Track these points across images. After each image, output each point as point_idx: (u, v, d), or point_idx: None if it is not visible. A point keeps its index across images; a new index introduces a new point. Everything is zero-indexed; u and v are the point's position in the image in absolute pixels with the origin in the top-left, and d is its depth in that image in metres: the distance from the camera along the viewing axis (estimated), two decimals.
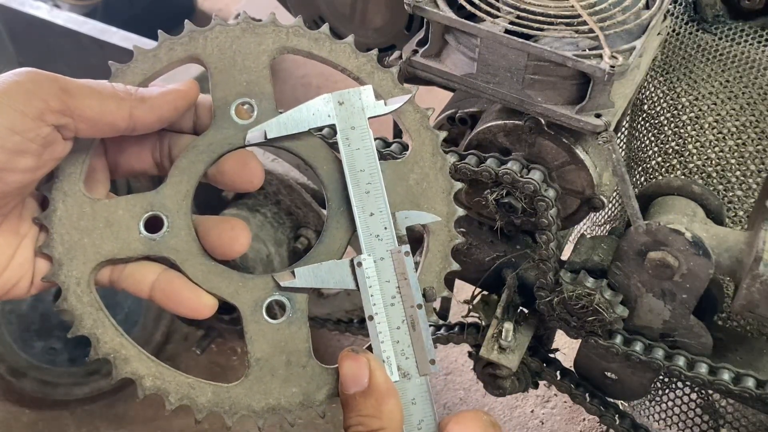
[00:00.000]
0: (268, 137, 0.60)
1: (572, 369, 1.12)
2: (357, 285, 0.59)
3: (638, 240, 0.87)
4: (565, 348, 1.35)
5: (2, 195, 0.55)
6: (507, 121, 0.92)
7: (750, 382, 0.90)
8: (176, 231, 0.59)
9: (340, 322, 1.31)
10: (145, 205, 0.59)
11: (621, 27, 0.83)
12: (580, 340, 1.04)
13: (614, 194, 1.20)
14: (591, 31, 0.82)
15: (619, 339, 0.96)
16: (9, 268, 0.58)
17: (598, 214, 1.33)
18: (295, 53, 0.63)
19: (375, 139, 0.95)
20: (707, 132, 1.07)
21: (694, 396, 1.18)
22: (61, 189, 0.58)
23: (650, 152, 1.15)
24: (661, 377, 1.20)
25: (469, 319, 1.14)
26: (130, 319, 1.61)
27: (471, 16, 0.85)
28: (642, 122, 1.16)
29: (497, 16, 0.84)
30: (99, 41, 1.61)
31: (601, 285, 0.92)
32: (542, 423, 1.59)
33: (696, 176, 1.08)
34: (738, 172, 1.06)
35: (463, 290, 1.16)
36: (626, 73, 0.81)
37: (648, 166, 1.15)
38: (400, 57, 0.92)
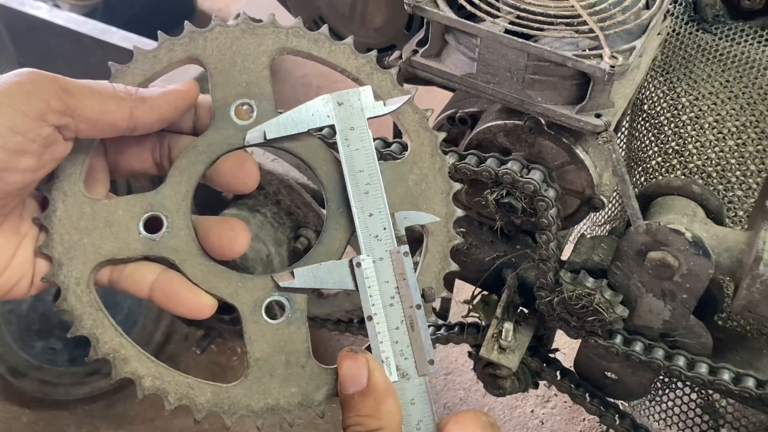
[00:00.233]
0: (268, 138, 0.61)
1: (572, 369, 1.12)
2: (356, 285, 0.59)
3: (638, 240, 0.87)
4: (565, 348, 1.35)
5: (3, 195, 0.55)
6: (507, 121, 0.92)
7: (750, 382, 0.90)
8: (176, 231, 0.59)
9: (340, 322, 1.31)
10: (145, 206, 0.59)
11: (621, 27, 0.83)
12: (580, 340, 1.04)
13: (614, 194, 1.20)
14: (591, 31, 0.82)
15: (619, 339, 0.96)
16: (9, 268, 0.58)
17: (598, 214, 1.34)
18: (294, 54, 0.63)
19: (375, 139, 0.95)
20: (707, 132, 1.07)
21: (694, 396, 1.18)
22: (61, 189, 0.58)
23: (650, 152, 1.15)
24: (661, 377, 1.20)
25: (469, 319, 1.14)
26: (130, 319, 1.61)
27: (471, 16, 0.85)
28: (642, 122, 1.16)
29: (497, 16, 0.84)
30: (99, 41, 1.61)
31: (601, 285, 0.92)
32: (542, 423, 1.59)
33: (696, 176, 1.08)
34: (738, 172, 1.06)
35: (463, 290, 1.16)
36: (626, 73, 0.81)
37: (648, 166, 1.15)
38: (400, 57, 0.92)
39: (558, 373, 1.11)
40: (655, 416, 1.24)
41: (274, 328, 0.59)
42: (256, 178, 0.63)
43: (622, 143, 1.23)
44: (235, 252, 0.62)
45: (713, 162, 1.07)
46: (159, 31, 0.61)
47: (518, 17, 0.84)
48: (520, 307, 1.07)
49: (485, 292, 1.12)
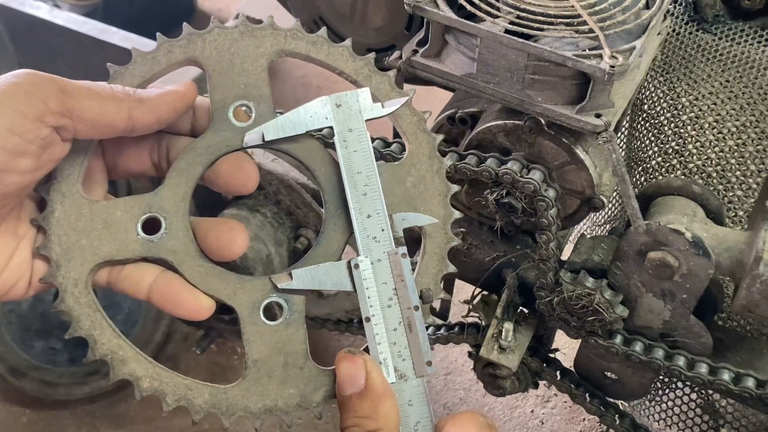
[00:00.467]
0: (266, 139, 0.61)
1: (572, 369, 1.12)
2: (354, 287, 0.59)
3: (638, 240, 0.87)
4: (565, 348, 1.35)
5: (1, 196, 0.55)
6: (507, 121, 0.92)
7: (750, 382, 0.90)
8: (174, 233, 0.59)
9: (340, 322, 1.31)
10: (143, 207, 0.59)
11: (621, 27, 0.83)
12: (580, 340, 1.04)
13: (614, 194, 1.20)
14: (591, 31, 0.82)
15: (619, 339, 0.96)
16: (7, 269, 0.58)
17: (598, 214, 1.34)
18: (293, 56, 0.63)
19: (375, 139, 0.95)
20: (707, 132, 1.07)
21: (694, 396, 1.18)
22: (59, 190, 0.58)
23: (650, 152, 1.15)
24: (661, 377, 1.20)
25: (469, 319, 1.14)
26: (130, 319, 1.61)
27: (471, 16, 0.85)
28: (642, 122, 1.16)
29: (497, 16, 0.84)
30: (99, 41, 1.61)
31: (601, 285, 0.92)
32: (542, 423, 1.59)
33: (696, 176, 1.08)
34: (738, 172, 1.06)
35: (463, 290, 1.16)
36: (626, 73, 0.81)
37: (648, 166, 1.15)
38: (400, 57, 0.92)
39: (558, 373, 1.11)
40: (655, 416, 1.24)
41: (272, 330, 0.59)
42: (256, 179, 0.63)
43: (622, 143, 1.23)
44: (234, 253, 0.62)
45: (713, 162, 1.07)
46: (158, 33, 0.61)
47: (518, 17, 0.84)
48: (520, 307, 1.07)
49: (485, 292, 1.12)
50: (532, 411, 1.61)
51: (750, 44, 1.06)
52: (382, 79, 0.63)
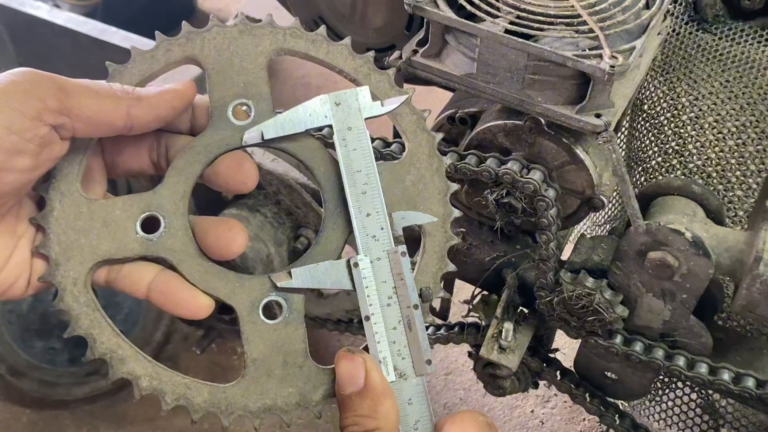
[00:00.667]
0: (265, 138, 0.61)
1: (572, 369, 1.12)
2: (353, 285, 0.59)
3: (638, 240, 0.87)
4: (565, 348, 1.35)
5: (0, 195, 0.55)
6: (507, 121, 0.92)
7: (750, 382, 0.90)
8: (173, 231, 0.59)
9: (340, 322, 1.31)
10: (142, 206, 0.59)
11: (621, 27, 0.83)
12: (580, 340, 1.04)
13: (614, 194, 1.20)
14: (591, 31, 0.82)
15: (619, 339, 0.96)
16: (6, 268, 0.58)
17: (598, 214, 1.33)
18: (292, 55, 0.63)
19: (375, 139, 0.95)
20: (707, 132, 1.07)
21: (694, 396, 1.18)
22: (58, 189, 0.58)
23: (650, 152, 1.15)
24: (661, 377, 1.20)
25: (469, 319, 1.14)
26: (130, 319, 1.61)
27: (471, 16, 0.85)
28: (642, 122, 1.16)
29: (497, 16, 0.84)
30: (99, 41, 1.61)
31: (601, 285, 0.92)
32: (542, 423, 1.59)
33: (696, 176, 1.08)
34: (738, 172, 1.06)
35: (463, 290, 1.16)
36: (626, 73, 0.81)
37: (648, 166, 1.15)
38: (400, 57, 0.92)
39: (558, 373, 1.11)
40: (655, 416, 1.24)
41: (271, 329, 0.59)
42: (255, 178, 0.63)
43: (622, 143, 1.23)
44: (233, 252, 0.62)
45: (713, 162, 1.07)
46: (156, 32, 0.61)
47: (518, 17, 0.84)
48: (520, 307, 1.07)
49: (485, 292, 1.12)
50: (532, 411, 1.61)
51: (750, 44, 1.06)
52: (381, 77, 0.63)
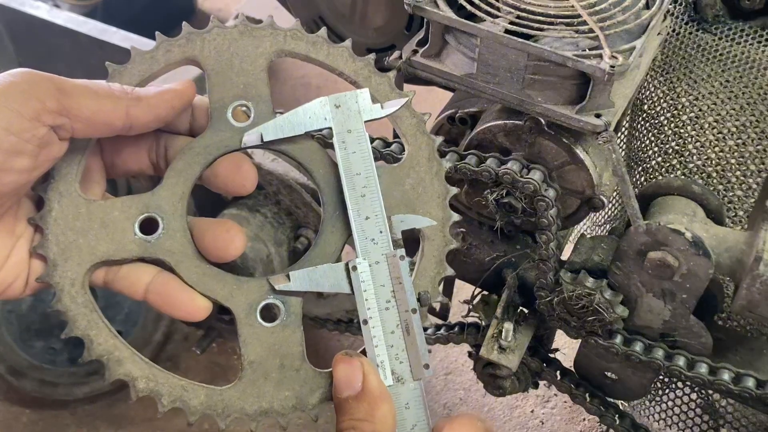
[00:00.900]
0: (264, 140, 0.60)
1: (572, 369, 1.12)
2: (352, 289, 0.59)
3: (638, 240, 0.87)
4: (565, 348, 1.35)
5: None
6: (507, 121, 0.92)
7: (750, 382, 0.90)
8: (171, 233, 0.59)
9: (340, 322, 1.31)
10: (141, 207, 0.59)
11: (621, 27, 0.83)
12: (580, 340, 1.04)
13: (614, 194, 1.20)
14: (591, 31, 0.82)
15: (619, 339, 0.96)
16: (4, 268, 0.58)
17: (598, 214, 1.33)
18: (292, 56, 0.63)
19: (375, 139, 0.95)
20: (707, 132, 1.07)
21: (694, 396, 1.18)
22: (57, 189, 0.58)
23: (650, 152, 1.15)
24: (661, 377, 1.20)
25: (469, 319, 1.14)
26: (130, 319, 1.61)
27: (471, 16, 0.85)
28: (642, 122, 1.16)
29: (497, 16, 0.84)
30: (99, 41, 1.61)
31: (601, 285, 0.92)
32: (542, 423, 1.59)
33: (696, 176, 1.08)
34: (738, 172, 1.06)
35: (463, 290, 1.16)
36: (626, 73, 0.81)
37: (648, 166, 1.15)
38: (400, 57, 0.92)
39: (558, 373, 1.11)
40: (655, 416, 1.24)
41: (268, 331, 0.59)
42: (254, 180, 0.63)
43: (622, 143, 1.23)
44: (231, 255, 0.62)
45: (713, 162, 1.07)
46: (157, 32, 0.61)
47: (518, 17, 0.84)
48: (520, 307, 1.07)
49: (485, 292, 1.12)
50: (532, 411, 1.60)
51: (750, 44, 1.06)
52: (381, 80, 0.63)
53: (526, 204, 0.92)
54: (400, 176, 0.62)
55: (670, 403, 1.21)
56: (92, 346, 0.57)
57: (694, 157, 1.08)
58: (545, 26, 0.83)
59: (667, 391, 1.22)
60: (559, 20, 0.84)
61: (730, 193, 1.06)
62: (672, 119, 1.10)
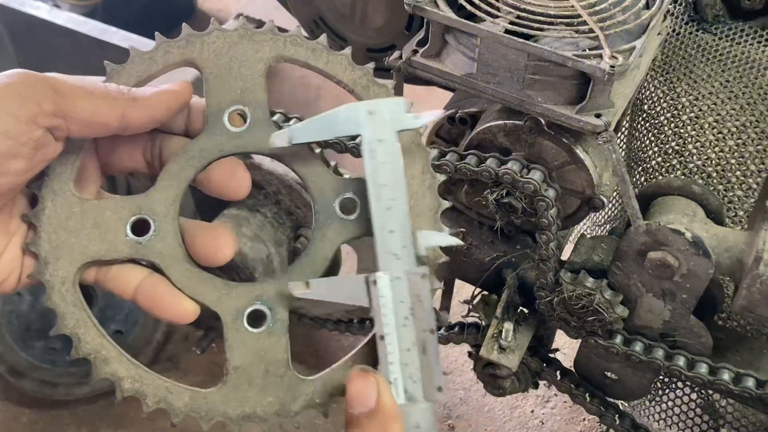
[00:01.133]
0: (294, 142, 0.59)
1: (572, 369, 1.12)
2: (370, 302, 0.58)
3: (638, 240, 0.87)
4: (565, 348, 1.35)
5: None
6: (507, 121, 0.92)
7: (750, 382, 0.90)
8: (163, 235, 0.59)
9: (340, 322, 1.31)
10: (134, 208, 0.59)
11: (621, 27, 0.83)
12: (580, 340, 1.04)
13: (614, 194, 1.20)
14: (591, 31, 0.82)
15: (619, 339, 0.96)
16: None
17: (598, 214, 1.33)
18: (291, 62, 0.62)
19: None
20: (707, 132, 1.07)
21: (694, 396, 1.18)
22: (51, 188, 0.58)
23: (650, 152, 1.15)
24: (661, 377, 1.20)
25: (469, 319, 1.14)
26: (130, 319, 1.61)
27: (471, 16, 0.85)
28: (642, 122, 1.16)
29: (497, 16, 0.84)
30: (99, 41, 1.61)
31: (601, 285, 0.92)
32: (542, 423, 1.59)
33: (696, 176, 1.08)
34: (738, 172, 1.06)
35: (463, 290, 1.16)
36: (626, 73, 0.81)
37: (648, 166, 1.15)
38: (400, 57, 0.92)
39: (558, 373, 1.11)
40: (655, 416, 1.24)
41: (255, 337, 0.59)
42: (248, 186, 0.63)
43: (622, 143, 1.23)
44: (220, 260, 0.62)
45: (713, 162, 1.07)
46: (156, 33, 0.61)
47: (518, 17, 0.84)
48: (520, 307, 1.07)
49: (485, 292, 1.12)
50: (532, 411, 1.60)
51: (750, 44, 1.06)
52: (380, 89, 0.62)
53: (526, 204, 0.92)
54: None
55: (670, 403, 1.21)
56: (80, 345, 0.58)
57: (694, 157, 1.08)
58: (545, 26, 0.83)
59: (667, 391, 1.22)
60: (559, 20, 0.84)
61: (730, 193, 1.06)
62: (672, 119, 1.10)
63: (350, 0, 1.18)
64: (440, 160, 0.92)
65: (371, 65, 0.63)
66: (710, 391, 1.14)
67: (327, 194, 0.61)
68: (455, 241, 0.60)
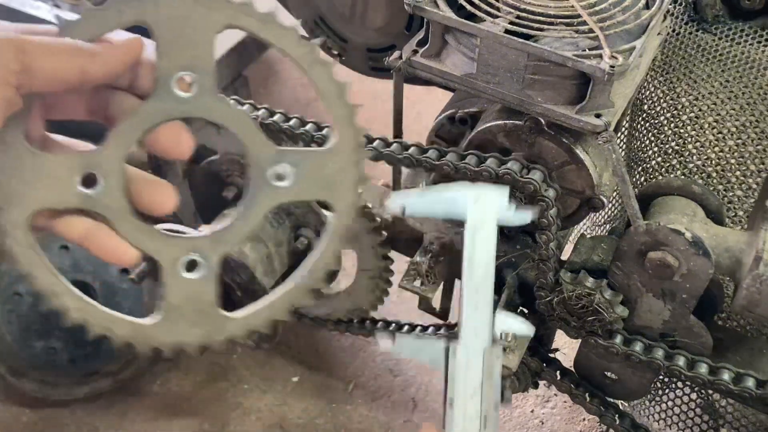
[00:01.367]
0: (407, 214, 0.67)
1: (572, 369, 1.12)
2: (446, 368, 0.65)
3: (638, 240, 0.87)
4: (565, 348, 1.35)
5: None
6: (507, 121, 0.92)
7: (750, 382, 0.90)
8: (110, 191, 0.63)
9: (340, 322, 1.31)
10: (84, 163, 0.63)
11: (621, 27, 0.83)
12: (580, 340, 1.04)
13: (614, 194, 1.20)
14: (591, 31, 0.82)
15: (619, 339, 0.97)
16: None
17: (598, 214, 1.34)
18: (242, 30, 0.65)
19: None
20: (707, 132, 1.07)
21: (694, 396, 1.18)
22: (4, 140, 0.61)
23: (650, 152, 1.15)
24: (661, 377, 1.20)
25: None
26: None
27: (471, 16, 0.85)
28: (642, 122, 1.16)
29: (497, 16, 0.84)
30: None
31: (601, 285, 0.93)
32: (542, 423, 1.59)
33: (696, 176, 1.08)
34: (738, 172, 1.06)
35: None
36: (626, 73, 0.81)
37: (648, 166, 1.15)
38: (400, 57, 0.92)
39: (558, 373, 1.11)
40: (655, 416, 1.24)
41: (188, 282, 0.65)
42: (191, 148, 0.67)
43: (622, 143, 1.23)
44: (163, 212, 0.67)
45: (713, 162, 1.07)
46: None
47: (518, 17, 0.84)
48: (520, 307, 1.07)
49: None
50: (532, 411, 1.60)
51: (750, 44, 1.06)
52: (323, 68, 0.65)
53: (526, 204, 0.92)
54: (325, 162, 0.66)
55: (670, 403, 1.21)
56: (35, 282, 0.62)
57: (694, 157, 1.08)
58: (545, 26, 0.83)
59: (667, 391, 1.22)
60: (559, 20, 0.84)
61: (730, 193, 1.06)
62: (672, 119, 1.10)
63: (350, 0, 1.18)
64: (440, 160, 0.92)
65: (318, 41, 0.66)
66: (710, 391, 1.14)
67: (262, 162, 0.65)
68: (528, 332, 0.68)
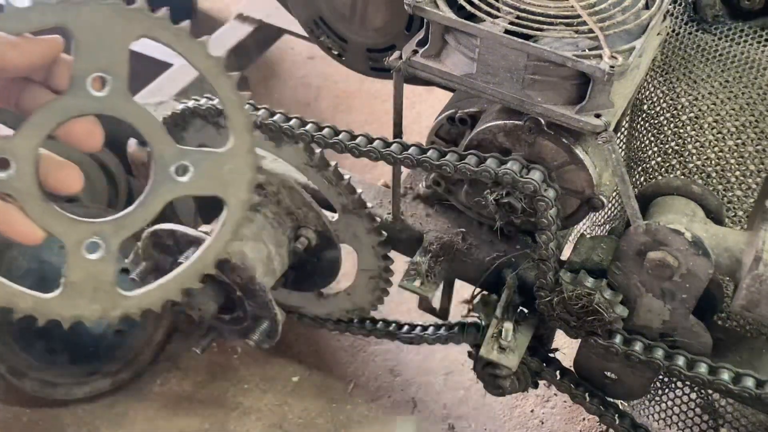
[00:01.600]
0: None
1: (572, 369, 1.12)
2: None
3: (638, 240, 0.88)
4: (565, 348, 1.35)
5: None
6: (507, 121, 0.92)
7: (750, 382, 0.90)
8: (21, 175, 0.66)
9: (340, 321, 1.31)
10: None
11: (621, 27, 0.83)
12: (580, 340, 1.04)
13: (614, 194, 1.20)
14: (591, 31, 0.82)
15: (618, 339, 0.97)
16: None
17: (597, 214, 1.34)
18: (157, 41, 0.69)
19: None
20: (707, 132, 1.07)
21: (694, 396, 1.18)
22: None
23: (650, 152, 1.15)
24: (661, 377, 1.20)
25: (469, 319, 1.14)
26: (130, 318, 1.61)
27: (471, 17, 0.85)
28: (642, 122, 1.16)
29: (497, 17, 0.84)
30: None
31: (600, 285, 0.93)
32: (542, 423, 1.59)
33: (695, 176, 1.08)
34: (737, 172, 1.06)
35: (463, 290, 1.16)
36: (626, 73, 0.81)
37: (648, 166, 1.15)
38: (400, 57, 0.92)
39: (558, 372, 1.11)
40: (655, 416, 1.24)
41: (90, 262, 0.69)
42: (101, 141, 0.70)
43: (622, 143, 1.23)
44: (70, 192, 0.70)
45: (713, 162, 1.07)
46: None
47: (518, 17, 0.84)
48: (520, 307, 1.08)
49: (485, 292, 1.13)
50: (532, 411, 1.61)
51: (750, 44, 1.06)
52: (226, 80, 0.70)
53: (526, 204, 0.92)
54: (222, 162, 0.72)
55: (669, 403, 1.21)
56: None
57: (694, 157, 1.08)
58: (545, 26, 0.83)
59: (667, 391, 1.22)
60: (558, 20, 0.84)
61: (730, 193, 1.06)
62: (671, 119, 1.11)
63: (350, 0, 1.18)
64: (440, 160, 0.92)
65: (223, 54, 0.69)
66: (710, 391, 1.14)
67: (166, 158, 0.70)
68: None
